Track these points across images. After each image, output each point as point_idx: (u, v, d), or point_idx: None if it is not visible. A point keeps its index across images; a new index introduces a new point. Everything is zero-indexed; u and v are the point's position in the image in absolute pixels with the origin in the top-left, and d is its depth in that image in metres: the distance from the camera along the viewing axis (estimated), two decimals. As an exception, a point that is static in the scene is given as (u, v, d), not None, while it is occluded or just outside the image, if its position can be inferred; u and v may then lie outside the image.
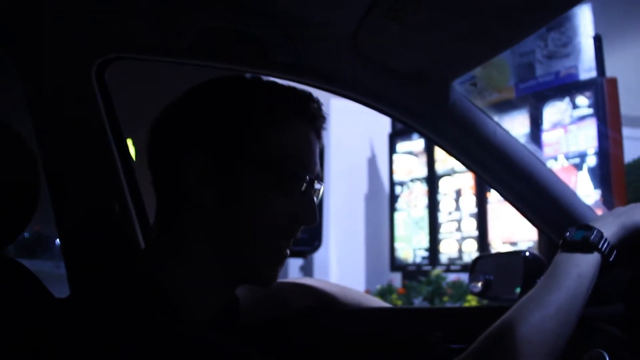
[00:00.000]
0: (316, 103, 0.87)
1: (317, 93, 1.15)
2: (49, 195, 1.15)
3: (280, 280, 1.37)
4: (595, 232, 0.85)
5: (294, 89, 0.88)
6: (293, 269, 8.00)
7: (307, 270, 7.89)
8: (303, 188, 0.82)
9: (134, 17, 1.05)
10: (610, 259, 0.86)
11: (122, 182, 1.17)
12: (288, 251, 0.86)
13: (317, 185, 0.86)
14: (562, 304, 0.79)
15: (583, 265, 0.83)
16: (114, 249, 1.13)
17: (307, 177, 0.83)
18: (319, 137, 0.88)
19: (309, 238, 1.75)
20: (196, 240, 0.82)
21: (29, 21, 1.05)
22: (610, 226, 0.87)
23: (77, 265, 1.16)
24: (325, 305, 1.26)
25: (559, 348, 0.76)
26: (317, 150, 0.87)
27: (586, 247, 0.85)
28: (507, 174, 1.19)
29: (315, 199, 0.85)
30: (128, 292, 0.75)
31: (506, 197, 1.24)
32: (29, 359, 0.75)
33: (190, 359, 0.66)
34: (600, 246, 0.85)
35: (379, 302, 1.37)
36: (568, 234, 0.88)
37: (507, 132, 1.19)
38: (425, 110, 1.15)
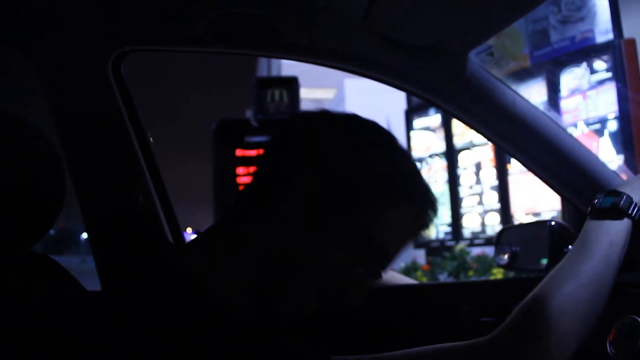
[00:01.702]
0: (433, 204, 0.83)
1: (331, 73, 1.14)
2: (74, 191, 1.16)
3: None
4: (624, 197, 0.84)
5: (421, 177, 0.85)
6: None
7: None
8: (372, 263, 0.80)
9: (146, 8, 1.05)
10: None
11: (145, 174, 1.18)
12: None
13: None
14: (595, 272, 0.78)
15: (614, 232, 0.82)
16: (142, 241, 1.14)
17: (379, 266, 0.80)
18: (421, 227, 0.83)
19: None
20: (258, 250, 0.79)
21: (42, 18, 1.06)
22: (639, 191, 0.86)
23: (106, 259, 1.17)
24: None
25: (594, 317, 0.76)
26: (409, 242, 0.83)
27: (616, 213, 0.83)
28: (529, 143, 1.18)
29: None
30: (163, 285, 0.75)
31: (529, 167, 1.23)
32: (68, 354, 0.77)
33: (225, 350, 0.67)
34: (630, 211, 0.83)
35: (405, 279, 1.38)
36: (596, 200, 0.86)
37: (527, 101, 1.17)
38: (442, 84, 1.14)
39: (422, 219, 0.82)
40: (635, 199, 0.84)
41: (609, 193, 0.86)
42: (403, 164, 0.84)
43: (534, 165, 1.22)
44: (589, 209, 0.87)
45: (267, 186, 0.80)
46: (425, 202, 0.82)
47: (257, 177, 0.83)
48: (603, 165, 1.20)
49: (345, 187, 0.78)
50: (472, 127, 1.21)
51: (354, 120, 0.85)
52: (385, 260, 0.81)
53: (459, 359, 0.71)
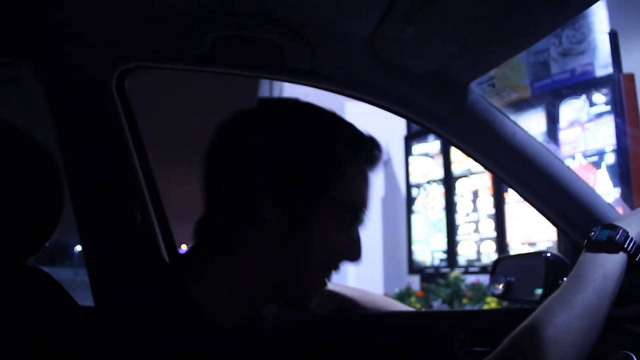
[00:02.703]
0: (378, 148, 0.89)
1: (332, 96, 1.15)
2: (72, 205, 1.16)
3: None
4: (620, 231, 0.85)
5: (361, 133, 0.89)
6: (311, 273, 7.99)
7: (324, 274, 7.87)
8: (351, 226, 0.84)
9: (152, 26, 1.06)
10: (637, 259, 0.85)
11: (144, 191, 1.18)
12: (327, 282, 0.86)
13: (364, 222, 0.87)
14: (589, 304, 0.78)
15: (609, 265, 0.82)
16: (137, 258, 1.14)
17: (358, 219, 0.84)
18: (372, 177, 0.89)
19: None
20: (249, 259, 0.81)
21: (49, 33, 1.06)
22: (635, 225, 0.87)
23: (100, 274, 1.17)
24: (345, 309, 1.26)
25: (586, 349, 0.76)
26: (371, 189, 0.88)
27: (612, 246, 0.84)
28: (527, 174, 1.18)
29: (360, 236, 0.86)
30: (155, 301, 0.75)
31: (526, 197, 1.23)
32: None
33: None
34: (626, 246, 0.84)
35: (398, 305, 1.37)
36: (593, 233, 0.87)
37: (526, 132, 1.18)
38: (443, 112, 1.15)
39: (374, 159, 0.88)
40: (631, 234, 0.85)
41: (605, 226, 0.87)
42: (344, 128, 0.89)
43: (531, 196, 1.23)
44: (585, 241, 0.87)
45: (236, 196, 0.82)
46: (371, 146, 0.88)
47: (223, 188, 0.84)
48: (600, 198, 1.20)
49: (307, 169, 0.81)
50: (470, 156, 1.22)
51: (291, 105, 0.89)
52: (364, 211, 0.86)
53: None
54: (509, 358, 0.72)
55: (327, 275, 0.85)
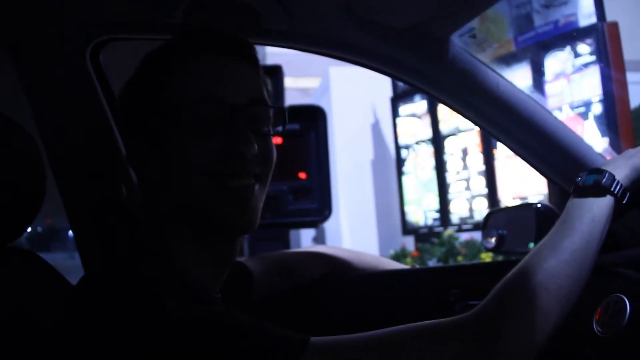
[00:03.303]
0: (214, 32, 0.85)
1: (315, 61, 1.13)
2: (55, 184, 1.14)
3: (293, 249, 1.38)
4: (606, 175, 0.84)
5: (188, 30, 0.88)
6: (305, 240, 8.06)
7: (319, 240, 7.94)
8: (223, 121, 0.80)
9: None
10: (624, 202, 0.84)
11: (127, 166, 1.16)
12: (256, 190, 0.83)
13: (252, 111, 0.83)
14: (577, 248, 0.78)
15: (596, 209, 0.82)
16: (124, 232, 1.13)
17: (222, 110, 0.80)
18: (248, 63, 0.85)
19: (318, 207, 1.75)
20: (167, 212, 0.83)
21: (19, 7, 1.03)
22: (622, 169, 0.86)
23: (90, 254, 1.16)
24: (340, 271, 1.26)
25: (576, 293, 0.76)
26: (248, 77, 0.84)
27: (598, 190, 0.84)
28: (514, 125, 1.17)
29: (246, 124, 0.81)
30: (138, 271, 0.75)
31: (514, 149, 1.23)
32: (50, 346, 0.76)
33: (205, 333, 0.67)
34: (612, 189, 0.84)
35: (393, 264, 1.37)
36: (579, 179, 0.87)
37: (511, 84, 1.17)
38: (425, 67, 1.13)
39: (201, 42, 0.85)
40: (618, 177, 0.85)
41: (591, 171, 0.87)
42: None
43: (519, 148, 1.22)
44: (572, 187, 0.87)
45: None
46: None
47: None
48: (588, 146, 1.20)
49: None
50: (456, 110, 1.21)
51: None
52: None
53: (443, 334, 0.71)
54: (499, 304, 0.72)
55: (237, 182, 0.81)
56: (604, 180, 0.84)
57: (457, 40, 1.12)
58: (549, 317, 0.72)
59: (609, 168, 0.86)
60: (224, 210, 0.80)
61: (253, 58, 0.86)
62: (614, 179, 0.84)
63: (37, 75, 1.11)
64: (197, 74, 0.81)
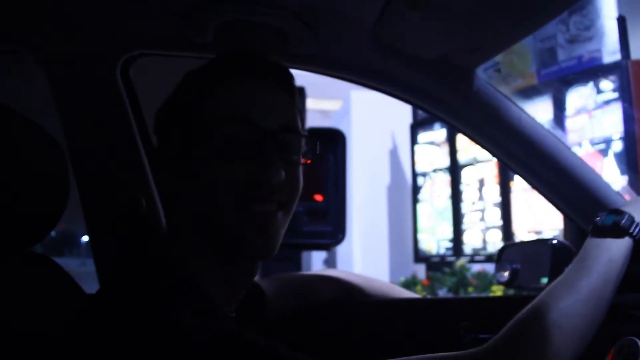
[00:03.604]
0: (255, 56, 0.86)
1: (337, 84, 1.15)
2: (78, 193, 1.16)
3: (305, 272, 1.38)
4: (626, 216, 0.84)
5: (229, 51, 0.89)
6: (317, 262, 8.03)
7: (330, 263, 7.90)
8: (252, 145, 0.80)
9: (155, 13, 1.06)
10: None
11: (149, 178, 1.18)
12: (279, 217, 0.82)
13: (282, 137, 0.82)
14: (593, 288, 0.78)
15: (614, 250, 0.82)
16: (142, 245, 1.14)
17: (253, 133, 0.80)
18: (283, 89, 0.85)
19: (333, 230, 1.75)
20: (190, 230, 0.83)
21: (53, 22, 1.06)
22: None
23: (106, 262, 1.17)
24: (350, 296, 1.26)
25: (590, 333, 0.75)
26: (282, 103, 0.84)
27: (617, 231, 0.83)
28: (533, 160, 1.18)
29: (275, 150, 0.80)
30: (157, 284, 0.76)
31: (532, 184, 1.23)
32: (63, 354, 0.76)
33: (213, 352, 0.67)
34: (631, 231, 0.83)
35: (404, 292, 1.37)
36: (598, 218, 0.86)
37: (532, 118, 1.17)
38: (448, 98, 1.14)
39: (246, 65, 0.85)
40: (637, 219, 0.84)
41: (611, 212, 0.86)
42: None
43: (537, 183, 1.22)
44: (591, 227, 0.87)
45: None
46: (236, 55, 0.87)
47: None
48: (606, 185, 1.20)
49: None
50: (476, 142, 1.21)
51: None
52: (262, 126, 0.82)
53: None
54: (513, 341, 0.72)
55: (261, 207, 0.81)
56: (623, 221, 0.84)
57: (482, 74, 1.13)
58: (562, 356, 0.71)
59: (628, 209, 0.86)
60: (244, 233, 0.80)
61: (290, 85, 0.87)
62: (633, 221, 0.84)
63: (66, 87, 1.13)
64: (231, 95, 0.82)
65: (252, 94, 0.82)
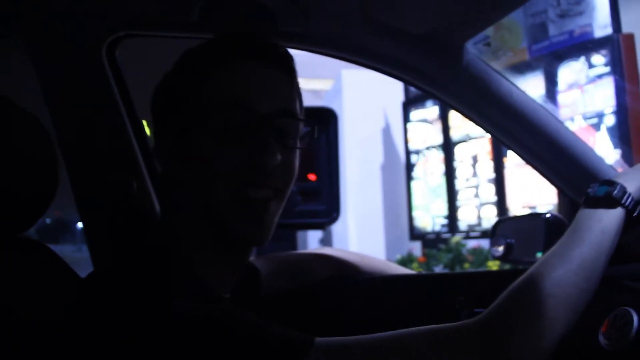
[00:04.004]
0: (253, 39, 0.85)
1: (328, 63, 1.14)
2: (68, 177, 1.15)
3: (300, 251, 1.38)
4: (618, 187, 0.84)
5: (228, 34, 0.87)
6: (312, 242, 8.06)
7: (326, 242, 7.93)
8: (249, 130, 0.80)
9: None
10: (635, 214, 0.84)
11: (139, 161, 1.17)
12: (272, 205, 0.83)
13: (279, 121, 0.82)
14: (586, 259, 0.78)
15: (606, 220, 0.82)
16: (134, 228, 1.14)
17: (250, 118, 0.80)
18: (282, 71, 0.85)
19: (326, 209, 1.75)
20: (185, 213, 0.83)
21: (36, 3, 1.05)
22: (633, 181, 0.86)
23: (99, 246, 1.17)
24: (346, 273, 1.26)
25: (583, 303, 0.76)
26: (280, 85, 0.84)
27: (609, 202, 0.83)
28: (525, 134, 1.17)
29: (272, 136, 0.80)
30: (147, 268, 0.76)
31: (525, 158, 1.23)
32: (56, 337, 0.76)
33: (211, 332, 0.67)
34: (623, 201, 0.83)
35: (399, 269, 1.37)
36: (591, 189, 0.87)
37: (524, 93, 1.17)
38: (438, 73, 1.14)
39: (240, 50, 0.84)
40: (629, 189, 0.84)
41: (603, 183, 0.87)
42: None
43: (530, 157, 1.22)
44: (583, 198, 0.87)
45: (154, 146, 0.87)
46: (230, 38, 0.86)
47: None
48: (599, 158, 1.20)
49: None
50: (468, 117, 1.21)
51: None
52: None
53: (448, 338, 0.71)
54: (507, 311, 0.72)
55: (257, 192, 0.81)
56: (616, 192, 0.84)
57: (472, 48, 1.12)
58: (555, 325, 0.72)
59: (620, 180, 0.86)
60: (238, 220, 0.80)
61: (290, 68, 0.86)
62: (625, 191, 0.84)
63: (52, 69, 1.12)
64: (229, 79, 0.81)
65: (250, 78, 0.82)
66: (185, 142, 0.82)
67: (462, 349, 0.70)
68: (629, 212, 0.84)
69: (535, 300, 0.73)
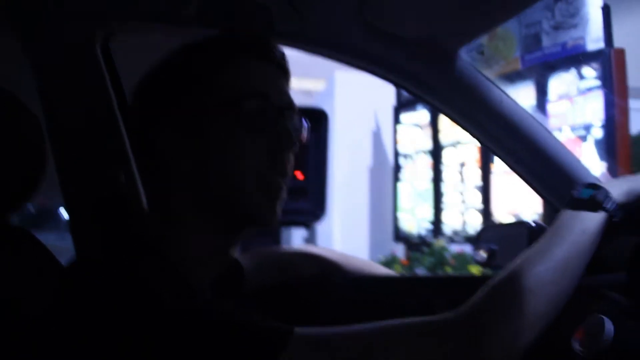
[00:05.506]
0: (266, 43, 0.88)
1: (321, 64, 1.15)
2: (55, 166, 1.15)
3: (285, 248, 1.39)
4: (602, 191, 0.86)
5: (226, 34, 0.90)
6: (296, 239, 8.06)
7: (310, 240, 7.93)
8: (270, 118, 0.82)
9: None
10: (615, 219, 0.86)
11: (128, 154, 1.17)
12: (284, 188, 0.85)
13: (290, 114, 0.85)
14: (565, 257, 0.79)
15: (587, 222, 0.83)
16: (121, 219, 1.14)
17: (272, 107, 0.83)
18: (282, 71, 0.88)
19: (312, 208, 1.76)
20: (185, 202, 0.83)
21: None
22: (617, 187, 0.88)
23: (83, 236, 1.16)
24: (329, 272, 1.27)
25: (561, 301, 0.77)
26: (283, 84, 0.88)
27: (592, 204, 0.85)
28: (513, 142, 1.19)
29: (289, 126, 0.84)
30: (130, 258, 0.76)
31: (511, 166, 1.24)
32: (37, 324, 0.76)
33: (189, 321, 0.68)
34: (605, 204, 0.85)
35: (382, 270, 1.38)
36: (575, 191, 0.88)
37: (514, 101, 1.18)
38: (431, 78, 1.15)
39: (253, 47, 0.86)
40: (613, 194, 0.86)
41: (588, 186, 0.88)
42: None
43: (516, 165, 1.24)
44: (567, 199, 0.88)
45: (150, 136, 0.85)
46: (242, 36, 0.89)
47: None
48: (585, 168, 1.21)
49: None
50: (458, 123, 1.22)
51: None
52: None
53: (428, 330, 0.72)
54: (485, 305, 0.73)
55: (277, 179, 0.83)
56: (599, 195, 0.85)
57: (465, 55, 1.14)
58: (533, 321, 0.73)
59: (605, 185, 0.88)
60: (259, 205, 0.82)
61: (287, 70, 0.89)
62: (609, 196, 0.86)
63: (44, 59, 1.11)
64: (246, 72, 0.83)
65: (266, 74, 0.85)
66: (194, 132, 0.82)
67: (441, 340, 0.71)
68: (610, 216, 0.85)
69: (515, 295, 0.74)
